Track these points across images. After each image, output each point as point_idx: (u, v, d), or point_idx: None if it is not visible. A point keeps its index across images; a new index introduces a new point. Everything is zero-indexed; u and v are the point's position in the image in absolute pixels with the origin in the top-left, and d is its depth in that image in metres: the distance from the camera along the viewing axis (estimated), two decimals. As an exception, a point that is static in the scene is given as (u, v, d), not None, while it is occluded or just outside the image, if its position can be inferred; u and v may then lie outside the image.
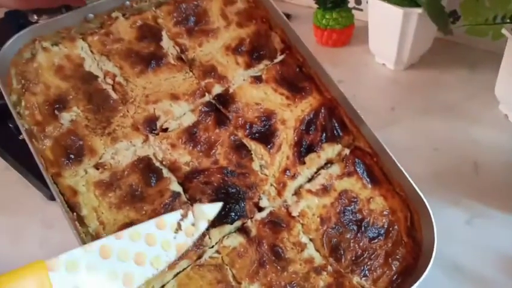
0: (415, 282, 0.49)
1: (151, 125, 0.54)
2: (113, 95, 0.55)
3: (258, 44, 0.62)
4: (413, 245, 0.55)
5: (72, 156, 0.50)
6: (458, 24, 0.89)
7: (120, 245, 0.41)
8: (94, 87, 0.54)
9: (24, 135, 0.48)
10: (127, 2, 0.58)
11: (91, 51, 0.56)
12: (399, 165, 0.56)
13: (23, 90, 0.52)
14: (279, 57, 0.62)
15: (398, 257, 0.54)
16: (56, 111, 0.52)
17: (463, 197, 0.67)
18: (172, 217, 0.46)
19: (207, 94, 0.58)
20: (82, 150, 0.51)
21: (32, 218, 0.68)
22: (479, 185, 0.68)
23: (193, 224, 0.47)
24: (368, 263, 0.53)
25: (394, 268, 0.53)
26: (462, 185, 0.68)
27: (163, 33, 0.60)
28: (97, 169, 0.51)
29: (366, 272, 0.53)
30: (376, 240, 0.54)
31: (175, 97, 0.56)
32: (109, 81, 0.55)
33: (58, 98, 0.53)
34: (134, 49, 0.58)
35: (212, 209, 0.49)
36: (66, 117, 0.52)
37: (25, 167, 0.70)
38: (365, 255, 0.53)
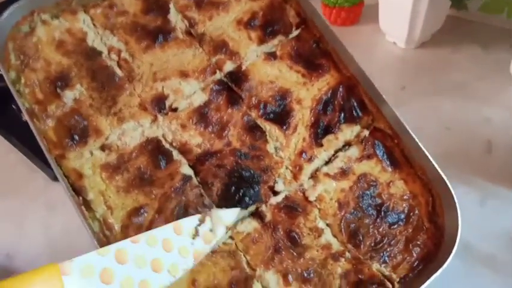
0: (437, 269, 0.47)
1: (159, 104, 0.51)
2: (119, 72, 0.51)
3: (272, 17, 0.58)
4: (434, 231, 0.52)
5: (76, 137, 0.47)
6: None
7: (136, 250, 0.39)
8: (98, 64, 0.51)
9: (24, 115, 0.45)
10: (132, -29, 0.54)
11: (94, 25, 0.53)
12: (422, 147, 0.53)
13: (22, 66, 0.48)
14: (295, 32, 0.58)
15: (418, 243, 0.51)
16: (58, 89, 0.48)
17: (475, 177, 0.65)
18: (190, 222, 0.44)
19: (218, 71, 0.54)
20: (86, 131, 0.48)
21: (35, 200, 0.66)
22: (491, 165, 0.66)
23: (210, 230, 0.45)
24: (388, 249, 0.51)
25: (415, 254, 0.51)
26: (474, 165, 0.66)
27: (171, 5, 0.56)
28: (103, 151, 0.48)
29: (386, 258, 0.50)
30: (396, 226, 0.52)
31: (184, 74, 0.53)
32: (114, 57, 0.52)
33: (60, 75, 0.49)
34: (140, 22, 0.54)
35: (230, 215, 0.47)
36: (69, 95, 0.49)
37: (28, 147, 0.68)
38: (384, 241, 0.51)
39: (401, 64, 0.86)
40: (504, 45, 0.81)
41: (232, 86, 0.54)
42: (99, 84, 0.50)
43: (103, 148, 0.48)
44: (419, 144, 0.53)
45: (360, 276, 0.49)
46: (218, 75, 0.54)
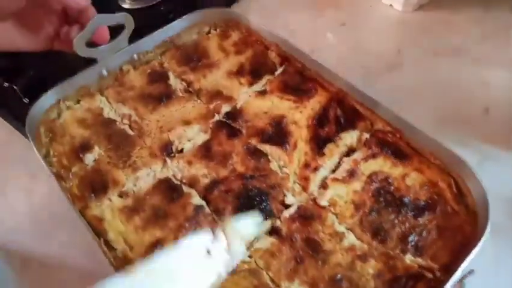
0: (474, 248, 0.42)
1: (167, 149, 0.56)
2: (130, 132, 0.59)
3: (257, 63, 0.65)
4: (466, 212, 0.48)
5: (97, 189, 0.52)
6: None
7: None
8: (113, 129, 0.59)
9: (53, 177, 0.52)
10: (135, 56, 0.66)
11: (109, 102, 0.62)
12: (426, 133, 0.52)
13: (51, 142, 0.57)
14: (279, 70, 0.65)
15: (453, 227, 0.47)
16: (80, 154, 0.56)
17: (472, 140, 0.62)
18: (200, 241, 0.42)
19: (216, 114, 0.60)
20: (106, 183, 0.53)
21: (16, 167, 0.68)
22: (489, 127, 0.64)
23: (226, 248, 0.43)
24: (420, 240, 0.47)
25: (452, 240, 0.46)
26: (471, 127, 0.64)
27: (170, 73, 0.65)
28: (121, 197, 0.52)
29: (420, 249, 0.46)
30: (423, 216, 0.49)
31: (187, 123, 0.59)
32: (126, 121, 0.60)
33: (82, 144, 0.57)
34: (146, 92, 0.63)
35: (248, 224, 0.47)
36: (90, 158, 0.56)
37: (6, 109, 0.71)
38: (414, 233, 0.47)
39: (398, 27, 0.82)
40: (505, 6, 0.78)
41: (230, 123, 0.59)
42: (115, 145, 0.57)
43: (120, 195, 0.52)
44: (422, 130, 0.53)
45: (395, 273, 0.45)
46: (217, 117, 0.60)
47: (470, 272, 0.40)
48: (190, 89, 0.63)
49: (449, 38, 0.80)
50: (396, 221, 0.48)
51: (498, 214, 0.53)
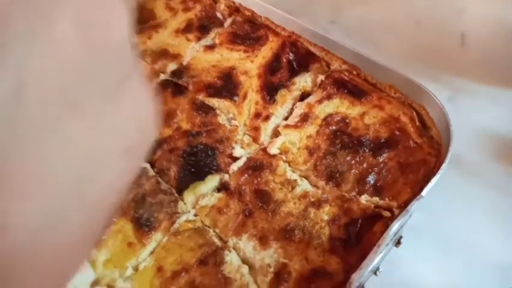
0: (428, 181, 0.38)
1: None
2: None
3: (205, 18, 0.61)
4: (430, 144, 0.43)
5: None
6: None
7: None
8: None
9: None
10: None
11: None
12: (383, 63, 0.47)
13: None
14: (228, 21, 0.60)
15: (416, 162, 0.42)
16: None
17: (445, 74, 0.57)
18: None
19: (161, 74, 0.56)
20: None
21: None
22: (464, 58, 0.58)
23: None
24: (379, 179, 0.42)
25: (415, 175, 0.41)
26: (445, 60, 0.58)
27: (114, 39, 0.61)
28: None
29: (379, 189, 0.42)
30: (383, 154, 0.44)
31: (130, 86, 0.55)
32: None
33: None
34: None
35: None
36: None
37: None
38: (373, 173, 0.43)
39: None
40: None
41: (176, 80, 0.54)
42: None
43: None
44: (379, 62, 0.48)
45: (351, 216, 0.40)
46: (162, 77, 0.56)
47: (419, 197, 0.35)
48: (134, 52, 0.59)
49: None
50: (353, 162, 0.44)
51: (471, 148, 0.48)
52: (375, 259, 0.34)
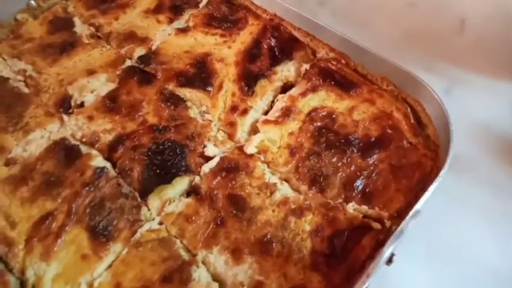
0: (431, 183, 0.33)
1: (64, 105, 0.46)
2: (25, 90, 0.48)
3: (179, -3, 0.54)
4: (425, 144, 0.39)
5: (-21, 160, 0.43)
6: None
7: None
8: (4, 88, 0.49)
9: None
10: (32, 2, 0.55)
11: (3, 58, 0.52)
12: (375, 51, 0.42)
13: None
14: (204, 1, 0.54)
15: (409, 164, 0.38)
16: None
17: (441, 62, 0.52)
18: None
19: (128, 60, 0.50)
20: (-11, 152, 0.44)
21: None
22: (461, 46, 0.54)
23: None
24: (369, 184, 0.37)
25: (408, 180, 0.37)
26: (442, 46, 0.54)
27: (75, 19, 0.54)
28: (7, 166, 0.43)
29: (369, 195, 0.37)
30: (373, 155, 0.39)
31: (91, 72, 0.49)
32: (20, 78, 0.49)
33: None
34: (46, 43, 0.52)
35: None
36: (-28, 123, 0.46)
37: None
38: (361, 177, 0.38)
39: None
40: None
41: (143, 67, 0.48)
42: (5, 106, 0.47)
43: (7, 163, 0.43)
44: (371, 50, 0.42)
45: (336, 227, 0.35)
46: (128, 63, 0.49)
47: (416, 213, 0.30)
48: (99, 34, 0.53)
49: None
50: (339, 164, 0.39)
51: (468, 146, 0.44)
52: None
